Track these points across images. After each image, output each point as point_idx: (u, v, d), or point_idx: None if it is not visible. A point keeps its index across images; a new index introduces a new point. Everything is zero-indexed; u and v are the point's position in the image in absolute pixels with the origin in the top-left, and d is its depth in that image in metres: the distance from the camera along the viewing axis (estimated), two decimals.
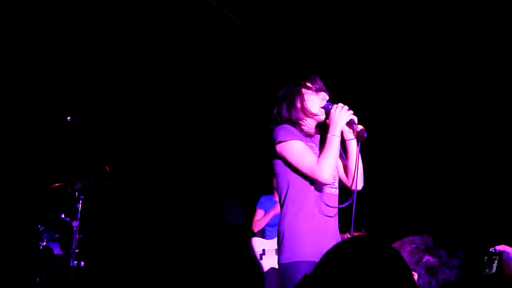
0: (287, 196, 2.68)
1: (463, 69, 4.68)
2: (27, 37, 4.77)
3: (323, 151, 2.66)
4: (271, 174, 2.80)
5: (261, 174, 5.31)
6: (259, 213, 5.61)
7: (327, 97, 2.83)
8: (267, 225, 5.54)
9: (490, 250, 2.51)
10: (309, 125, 2.81)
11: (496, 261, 2.46)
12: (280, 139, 2.67)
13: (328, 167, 2.61)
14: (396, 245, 2.24)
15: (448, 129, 5.06)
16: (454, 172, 5.04)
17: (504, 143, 4.74)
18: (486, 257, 2.42)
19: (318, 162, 2.63)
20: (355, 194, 2.70)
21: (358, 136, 2.72)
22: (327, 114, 2.77)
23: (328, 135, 2.68)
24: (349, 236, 4.75)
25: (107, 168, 4.45)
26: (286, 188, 2.69)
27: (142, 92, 5.55)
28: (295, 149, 2.66)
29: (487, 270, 2.36)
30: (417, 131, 5.26)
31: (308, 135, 2.77)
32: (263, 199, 5.65)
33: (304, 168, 2.64)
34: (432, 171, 5.21)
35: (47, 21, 4.64)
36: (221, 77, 5.44)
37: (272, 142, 2.72)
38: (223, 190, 6.31)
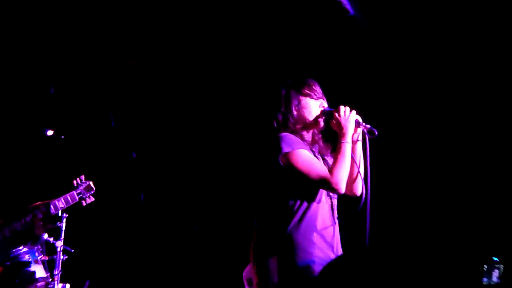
0: (289, 209, 2.70)
1: (464, 71, 4.79)
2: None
3: (336, 160, 2.69)
4: (270, 185, 2.79)
5: (258, 185, 5.30)
6: None
7: (325, 105, 2.88)
8: None
9: (493, 258, 2.56)
10: (307, 132, 2.84)
11: (498, 271, 2.52)
12: (285, 150, 2.67)
13: (342, 177, 2.66)
14: None
15: (449, 131, 5.16)
16: (457, 177, 5.13)
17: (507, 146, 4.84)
18: (486, 266, 2.48)
19: (332, 171, 2.67)
20: (369, 197, 2.74)
21: (367, 134, 2.77)
22: (326, 120, 2.83)
23: (340, 142, 2.73)
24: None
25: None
26: (288, 201, 2.71)
27: (129, 103, 5.60)
28: (303, 159, 2.68)
29: (485, 280, 2.42)
30: (417, 133, 5.35)
31: (307, 144, 2.80)
32: None
33: (316, 179, 2.66)
34: (433, 175, 5.29)
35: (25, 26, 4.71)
36: (215, 86, 5.49)
37: (272, 152, 2.71)
38: (216, 204, 6.32)
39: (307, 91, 2.85)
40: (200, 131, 5.97)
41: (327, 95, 2.93)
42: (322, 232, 2.72)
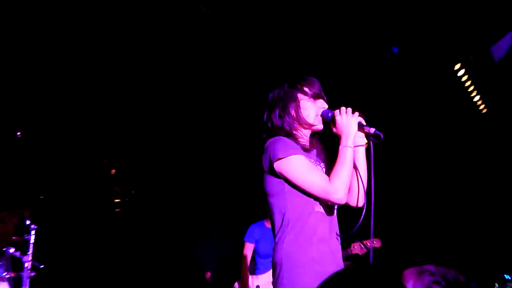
0: (284, 220, 2.55)
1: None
2: None
3: (336, 166, 2.53)
4: (263, 194, 2.65)
5: (250, 196, 5.15)
6: (249, 247, 5.20)
7: (326, 105, 2.71)
8: (259, 256, 5.21)
9: (505, 276, 2.48)
10: (304, 136, 2.68)
11: None
12: (279, 155, 2.52)
13: (343, 185, 2.49)
14: (412, 271, 2.18)
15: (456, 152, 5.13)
16: (469, 192, 5.08)
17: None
18: (497, 284, 2.40)
19: (330, 179, 2.51)
20: (372, 208, 2.54)
21: (372, 138, 2.59)
22: (325, 122, 2.67)
23: (340, 146, 2.56)
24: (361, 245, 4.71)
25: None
26: (283, 211, 2.55)
27: (106, 110, 5.47)
28: (299, 165, 2.52)
29: None
30: (427, 138, 5.30)
31: (304, 149, 2.63)
32: (252, 229, 5.26)
33: (313, 188, 2.51)
34: (444, 186, 5.23)
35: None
36: (209, 89, 5.39)
37: (266, 157, 2.58)
38: (205, 215, 6.18)
39: (306, 90, 2.68)
40: (188, 135, 5.85)
41: (328, 94, 2.75)
42: (321, 246, 2.55)
